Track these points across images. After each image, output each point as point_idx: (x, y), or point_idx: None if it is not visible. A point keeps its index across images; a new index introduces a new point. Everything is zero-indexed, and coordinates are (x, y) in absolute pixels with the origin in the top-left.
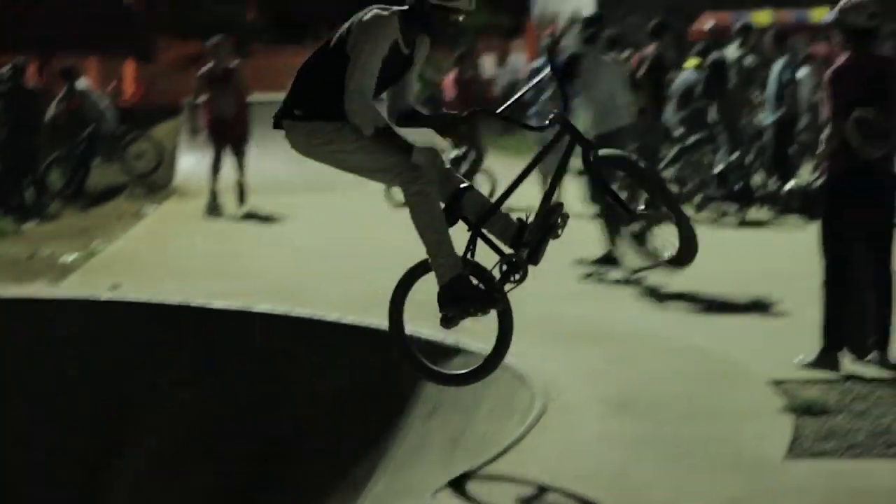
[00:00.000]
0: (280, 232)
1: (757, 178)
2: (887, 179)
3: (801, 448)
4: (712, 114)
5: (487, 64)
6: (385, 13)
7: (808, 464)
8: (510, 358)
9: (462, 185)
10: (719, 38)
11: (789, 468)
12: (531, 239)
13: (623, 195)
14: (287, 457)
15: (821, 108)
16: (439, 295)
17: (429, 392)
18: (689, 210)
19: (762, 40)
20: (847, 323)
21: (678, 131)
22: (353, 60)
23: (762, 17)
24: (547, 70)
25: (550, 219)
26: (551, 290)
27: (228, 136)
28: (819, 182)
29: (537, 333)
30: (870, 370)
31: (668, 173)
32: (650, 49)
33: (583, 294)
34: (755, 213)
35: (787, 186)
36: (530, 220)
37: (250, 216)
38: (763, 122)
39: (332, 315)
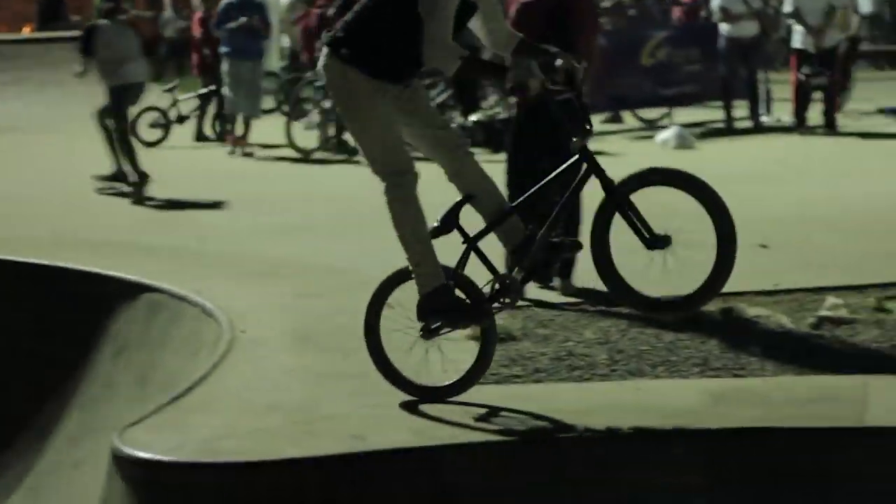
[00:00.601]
0: None
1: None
2: (576, 111)
3: (488, 374)
4: None
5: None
6: None
7: (495, 388)
8: (195, 295)
9: (475, 190)
10: None
11: (476, 393)
12: (530, 266)
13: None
14: None
15: None
16: (419, 305)
17: (116, 330)
18: None
19: None
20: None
21: None
22: (432, 11)
23: None
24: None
25: (560, 253)
26: (245, 227)
27: None
28: (505, 114)
29: (227, 270)
30: (552, 297)
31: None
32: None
33: (277, 230)
34: None
35: (471, 119)
36: (539, 235)
37: None
38: None
39: (15, 256)
